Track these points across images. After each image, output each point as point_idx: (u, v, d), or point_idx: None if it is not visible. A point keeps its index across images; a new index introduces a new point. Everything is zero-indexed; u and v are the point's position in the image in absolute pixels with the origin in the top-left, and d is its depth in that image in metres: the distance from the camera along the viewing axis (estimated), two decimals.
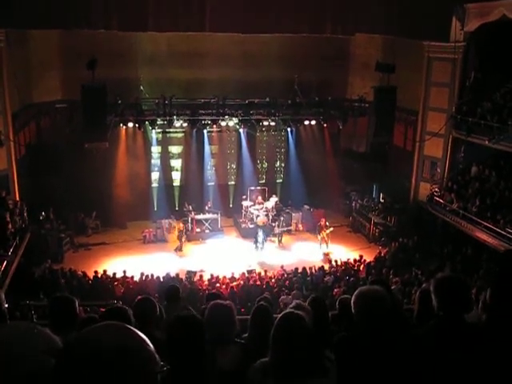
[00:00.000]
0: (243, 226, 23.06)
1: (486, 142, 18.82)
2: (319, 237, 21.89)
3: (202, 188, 24.25)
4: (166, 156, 23.97)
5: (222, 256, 20.45)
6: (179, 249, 20.98)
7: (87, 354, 1.46)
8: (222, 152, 24.69)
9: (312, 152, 24.98)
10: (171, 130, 23.04)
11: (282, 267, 18.47)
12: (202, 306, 6.54)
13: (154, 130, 22.67)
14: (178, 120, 21.72)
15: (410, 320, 4.57)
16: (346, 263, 18.96)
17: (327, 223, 22.63)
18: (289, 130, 24.69)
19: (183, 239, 21.28)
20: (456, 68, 20.60)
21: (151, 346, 1.57)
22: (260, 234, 21.03)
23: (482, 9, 19.25)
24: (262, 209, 23.25)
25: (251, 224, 23.12)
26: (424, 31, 19.90)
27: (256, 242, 20.83)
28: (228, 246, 21.26)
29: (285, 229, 22.49)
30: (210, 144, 24.45)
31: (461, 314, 3.09)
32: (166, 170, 24.12)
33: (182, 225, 21.63)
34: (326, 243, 21.71)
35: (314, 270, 18.11)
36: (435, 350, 2.95)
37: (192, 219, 22.13)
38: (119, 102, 20.24)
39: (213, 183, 24.86)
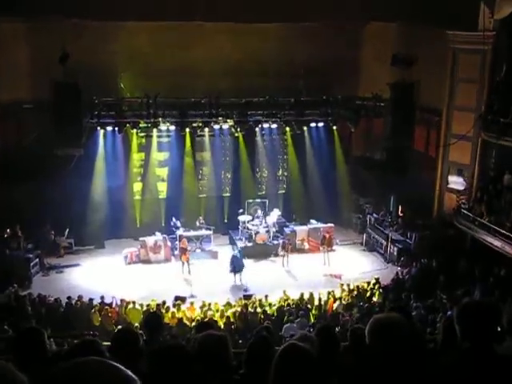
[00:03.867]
0: (240, 244, 23.07)
1: None
2: (324, 253, 22.20)
3: (192, 201, 24.28)
4: (150, 164, 24.01)
5: (216, 279, 20.51)
6: (189, 272, 21.12)
7: None
8: (215, 159, 24.73)
9: (319, 159, 25.04)
10: (156, 133, 23.13)
11: (284, 292, 18.43)
12: (190, 337, 6.53)
13: (136, 134, 22.76)
14: (163, 122, 21.85)
15: (434, 353, 4.56)
16: (359, 287, 18.92)
17: (337, 241, 22.69)
18: (292, 133, 24.78)
19: (189, 259, 21.30)
20: (485, 61, 20.62)
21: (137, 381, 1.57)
22: (235, 256, 20.98)
23: None
24: (261, 224, 23.29)
25: (249, 242, 23.15)
26: (448, 19, 20.01)
27: (234, 268, 20.54)
28: (222, 268, 21.21)
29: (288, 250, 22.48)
30: (201, 150, 24.51)
31: (489, 344, 3.07)
32: (151, 180, 24.18)
33: (184, 240, 21.67)
34: (328, 261, 22.14)
35: (322, 295, 18.09)
36: None
37: (180, 237, 22.09)
38: (96, 101, 20.34)
39: (204, 195, 24.88)
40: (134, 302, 17.03)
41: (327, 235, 22.63)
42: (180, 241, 21.88)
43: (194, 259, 22.00)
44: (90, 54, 20.06)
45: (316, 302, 17.74)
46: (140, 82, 21.52)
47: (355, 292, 18.58)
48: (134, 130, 22.48)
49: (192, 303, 17.58)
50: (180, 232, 22.52)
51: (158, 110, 21.23)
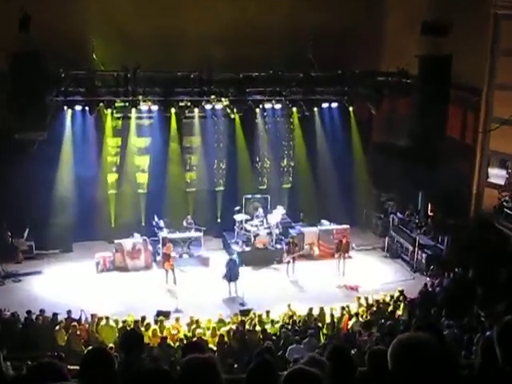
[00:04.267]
0: (236, 248, 23.08)
1: None
2: (338, 261, 22.23)
3: (179, 196, 24.33)
4: (127, 151, 24.03)
5: (206, 290, 20.63)
6: (174, 282, 21.17)
7: None
8: (207, 146, 24.75)
9: (333, 146, 25.07)
10: (135, 115, 23.11)
11: (289, 306, 18.44)
12: (175, 360, 6.55)
13: (111, 116, 22.75)
14: (144, 101, 21.83)
15: (470, 379, 4.55)
16: (380, 301, 18.94)
17: (353, 245, 22.66)
18: (300, 115, 24.77)
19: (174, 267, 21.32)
20: None
21: None
22: (233, 260, 20.96)
23: None
24: (262, 225, 23.31)
25: (247, 246, 23.16)
26: None
27: (229, 275, 20.53)
28: (214, 277, 21.26)
29: (295, 254, 22.51)
30: (189, 135, 24.50)
31: None
32: (129, 170, 24.19)
33: (168, 244, 21.61)
34: (342, 269, 22.21)
35: (334, 311, 18.13)
36: None
37: (164, 239, 22.14)
38: (62, 75, 20.28)
39: (193, 189, 24.93)
40: (107, 318, 17.00)
41: (343, 239, 22.66)
42: (163, 244, 21.91)
43: (181, 266, 22.03)
44: (55, 19, 20.01)
45: (328, 319, 17.71)
46: (116, 52, 21.48)
47: (375, 307, 18.61)
48: (109, 111, 22.44)
49: (177, 319, 17.49)
50: (163, 234, 22.57)
51: (138, 86, 21.18)
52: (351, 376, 4.60)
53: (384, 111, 24.35)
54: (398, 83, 23.03)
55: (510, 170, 22.29)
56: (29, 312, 17.18)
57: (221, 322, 17.44)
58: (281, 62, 22.20)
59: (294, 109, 24.40)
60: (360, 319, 17.60)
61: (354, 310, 18.40)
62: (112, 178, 24.20)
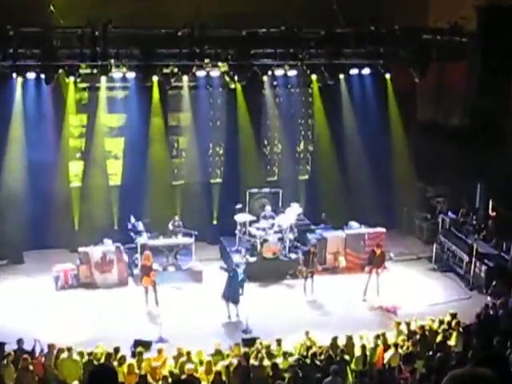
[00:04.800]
0: (238, 259, 23.04)
1: None
2: (370, 276, 22.10)
3: (163, 191, 24.42)
4: (96, 132, 24.05)
5: (199, 313, 20.74)
6: (156, 303, 21.28)
7: None
8: (200, 125, 24.83)
9: (364, 125, 25.11)
10: (106, 84, 23.11)
11: (307, 335, 18.40)
12: None
13: (74, 86, 22.75)
14: (117, 67, 21.76)
15: None
16: (426, 327, 18.84)
17: (391, 255, 22.50)
18: (321, 85, 24.72)
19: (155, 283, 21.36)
20: None
21: None
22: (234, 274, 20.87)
23: None
24: (271, 228, 23.30)
25: (252, 256, 23.17)
26: None
27: (229, 294, 20.59)
28: (209, 296, 21.39)
29: (319, 267, 22.46)
30: (176, 111, 24.55)
31: None
32: (97, 157, 24.24)
33: (149, 253, 21.58)
34: (377, 286, 22.10)
35: (366, 340, 18.07)
36: None
37: (143, 247, 22.23)
38: (11, 33, 20.21)
39: (182, 182, 25.05)
40: (69, 349, 16.73)
41: (376, 249, 22.29)
42: (142, 253, 21.89)
43: (165, 283, 22.08)
44: None
45: (357, 351, 17.46)
46: (81, 3, 21.47)
47: (419, 335, 18.51)
48: (71, 79, 22.47)
49: (161, 351, 17.26)
50: (142, 239, 22.72)
51: (109, 46, 21.13)
52: None
53: (431, 80, 24.40)
54: (450, 43, 23.00)
55: None
56: None
57: (218, 354, 17.13)
58: (296, 16, 22.10)
59: (314, 76, 24.43)
60: (399, 351, 17.44)
61: (391, 340, 18.26)
62: (76, 166, 24.34)
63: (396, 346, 17.77)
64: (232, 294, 20.51)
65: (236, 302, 20.54)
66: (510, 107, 23.45)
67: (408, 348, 17.71)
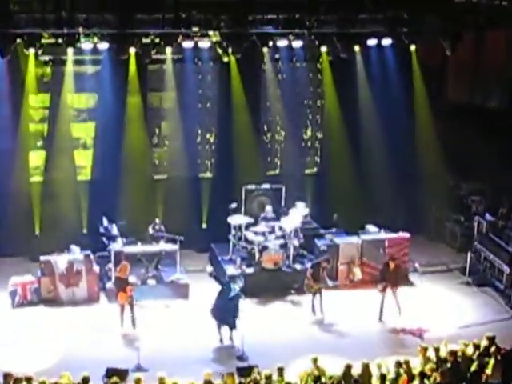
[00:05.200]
0: (232, 270, 23.15)
1: None
2: (383, 296, 22.03)
3: (142, 187, 24.54)
4: (61, 115, 24.08)
5: (185, 336, 20.83)
6: (133, 324, 21.31)
7: None
8: (186, 107, 24.95)
9: (384, 108, 25.23)
10: (73, 57, 23.07)
11: (315, 362, 18.44)
12: None
13: (34, 59, 22.74)
14: (87, 36, 21.73)
15: None
16: (458, 353, 18.83)
17: (416, 266, 22.56)
18: (333, 58, 24.85)
19: (134, 304, 21.37)
20: None
21: None
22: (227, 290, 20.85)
23: None
24: (272, 232, 23.39)
25: (249, 266, 23.25)
26: None
27: (220, 314, 20.60)
28: (197, 315, 21.47)
29: (329, 283, 22.55)
30: (158, 89, 24.68)
31: None
32: (63, 145, 24.27)
33: (125, 264, 21.55)
34: (398, 304, 22.08)
35: (385, 368, 18.09)
36: None
37: (117, 255, 22.31)
38: None
39: (164, 176, 25.24)
40: (29, 380, 16.87)
41: (391, 263, 21.87)
42: (117, 263, 21.91)
43: (144, 299, 22.28)
44: None
45: (375, 383, 17.75)
46: None
47: (450, 363, 18.54)
48: (31, 51, 22.41)
49: (139, 381, 17.57)
50: (117, 246, 22.80)
51: (77, 11, 21.15)
52: None
53: (465, 53, 24.48)
54: (489, 7, 23.02)
55: None
56: None
57: None
58: None
59: (324, 48, 24.47)
60: (427, 382, 17.64)
61: (416, 368, 18.08)
62: (37, 157, 24.42)
63: (422, 375, 17.66)
64: (224, 315, 20.47)
65: (230, 325, 20.53)
66: None
67: (436, 379, 17.76)
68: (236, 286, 20.82)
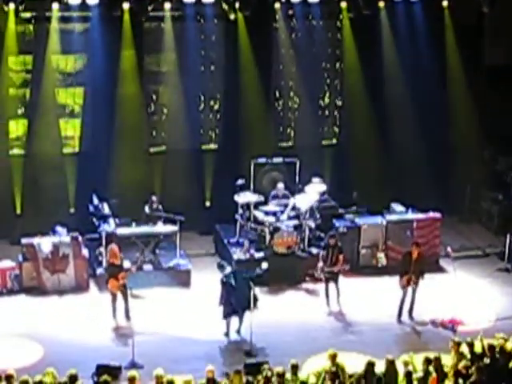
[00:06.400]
0: (239, 255, 22.80)
1: None
2: (405, 291, 21.49)
3: (137, 161, 24.44)
4: (45, 80, 23.83)
5: (186, 329, 20.75)
6: (127, 316, 21.28)
7: None
8: (188, 70, 24.67)
9: (412, 71, 24.96)
10: (58, 14, 22.97)
11: (333, 358, 18.10)
12: None
13: (14, 16, 22.66)
14: None
15: None
16: (496, 348, 18.49)
17: (448, 249, 22.16)
18: (354, 15, 24.71)
19: (127, 293, 21.22)
20: None
21: None
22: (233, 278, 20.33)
23: None
24: (284, 211, 23.07)
25: (258, 251, 22.88)
26: None
27: (227, 305, 20.43)
28: (200, 305, 21.57)
29: (345, 267, 22.06)
30: (155, 50, 24.55)
31: None
32: (46, 114, 24.03)
33: (116, 247, 21.32)
34: (412, 306, 21.76)
35: (413, 365, 17.73)
36: None
37: (109, 237, 22.12)
38: None
39: (162, 148, 25.06)
40: (8, 378, 16.38)
41: (414, 251, 21.44)
42: (108, 246, 21.65)
43: (139, 287, 22.09)
44: None
45: (401, 381, 17.27)
46: None
47: (487, 359, 18.20)
48: (11, 6, 22.57)
49: (133, 380, 17.17)
50: (109, 228, 22.64)
51: None
52: None
53: (506, 9, 24.16)
54: None
55: None
56: None
57: (211, 383, 16.81)
58: None
59: (344, 4, 24.29)
60: (460, 381, 17.24)
61: (448, 364, 17.78)
62: (17, 126, 24.38)
63: (456, 373, 17.45)
64: (231, 305, 20.21)
65: (237, 314, 20.28)
66: None
67: (471, 376, 17.44)
68: (238, 271, 20.62)
